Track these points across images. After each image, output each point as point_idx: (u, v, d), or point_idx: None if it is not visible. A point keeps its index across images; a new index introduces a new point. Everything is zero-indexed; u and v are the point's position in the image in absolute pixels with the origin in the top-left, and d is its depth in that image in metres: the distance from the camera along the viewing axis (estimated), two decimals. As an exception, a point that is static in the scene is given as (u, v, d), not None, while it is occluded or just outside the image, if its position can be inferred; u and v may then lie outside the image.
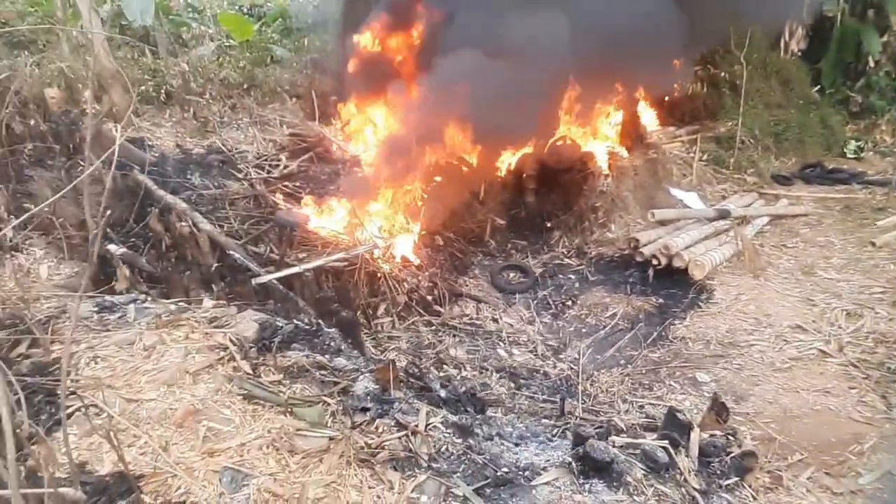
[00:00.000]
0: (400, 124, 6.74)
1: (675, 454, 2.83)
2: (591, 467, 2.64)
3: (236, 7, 11.90)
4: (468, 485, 2.50)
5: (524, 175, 7.29)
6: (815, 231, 7.09)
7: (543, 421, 3.84)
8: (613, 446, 2.82)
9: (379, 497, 2.40)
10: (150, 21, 8.11)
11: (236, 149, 6.93)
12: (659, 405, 4.17)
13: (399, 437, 2.73)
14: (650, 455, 2.78)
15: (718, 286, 5.72)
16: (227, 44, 9.32)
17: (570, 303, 5.98)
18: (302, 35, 10.49)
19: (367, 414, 2.87)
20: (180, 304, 3.84)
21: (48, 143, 5.51)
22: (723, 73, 9.47)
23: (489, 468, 2.66)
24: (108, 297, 3.77)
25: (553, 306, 5.97)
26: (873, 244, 6.45)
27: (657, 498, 2.58)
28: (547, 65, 5.83)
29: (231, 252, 4.82)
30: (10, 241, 4.44)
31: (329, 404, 2.89)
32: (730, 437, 3.19)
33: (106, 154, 1.84)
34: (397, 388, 3.15)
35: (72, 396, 2.69)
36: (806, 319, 5.08)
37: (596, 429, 3.18)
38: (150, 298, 3.93)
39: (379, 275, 5.24)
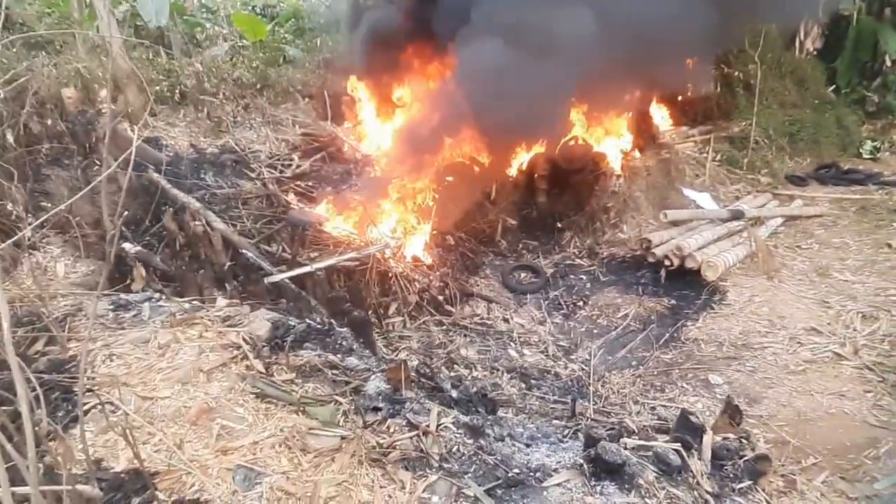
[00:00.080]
0: (414, 118, 6.76)
1: (688, 457, 2.82)
2: (603, 469, 2.64)
3: (249, 7, 11.98)
4: (479, 485, 2.51)
5: (536, 175, 7.28)
6: (830, 232, 7.02)
7: (554, 422, 3.84)
8: (625, 448, 2.81)
9: (390, 496, 2.41)
10: (165, 22, 8.18)
11: (249, 148, 6.97)
12: (671, 407, 4.15)
13: (410, 437, 2.74)
14: (662, 457, 2.77)
15: (731, 287, 5.68)
16: (241, 44, 9.38)
17: (581, 303, 5.96)
18: (314, 35, 10.53)
19: (379, 413, 2.88)
20: (194, 302, 3.88)
21: (65, 143, 5.58)
22: (737, 73, 9.38)
23: (500, 469, 2.66)
24: (123, 296, 3.81)
25: (564, 307, 5.96)
26: (889, 246, 6.38)
27: (669, 501, 2.57)
28: (567, 61, 5.77)
29: (244, 251, 4.86)
30: (29, 239, 4.51)
31: (341, 404, 2.90)
32: (743, 440, 3.17)
33: (124, 155, 1.87)
34: (409, 387, 3.16)
35: (88, 394, 2.72)
36: (821, 322, 5.03)
37: (607, 430, 3.18)
38: (164, 297, 3.97)
39: (390, 274, 5.25)
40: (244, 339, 3.29)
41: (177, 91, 7.29)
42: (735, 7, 7.31)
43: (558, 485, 2.60)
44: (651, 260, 6.05)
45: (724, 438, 3.12)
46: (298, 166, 6.76)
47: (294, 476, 2.45)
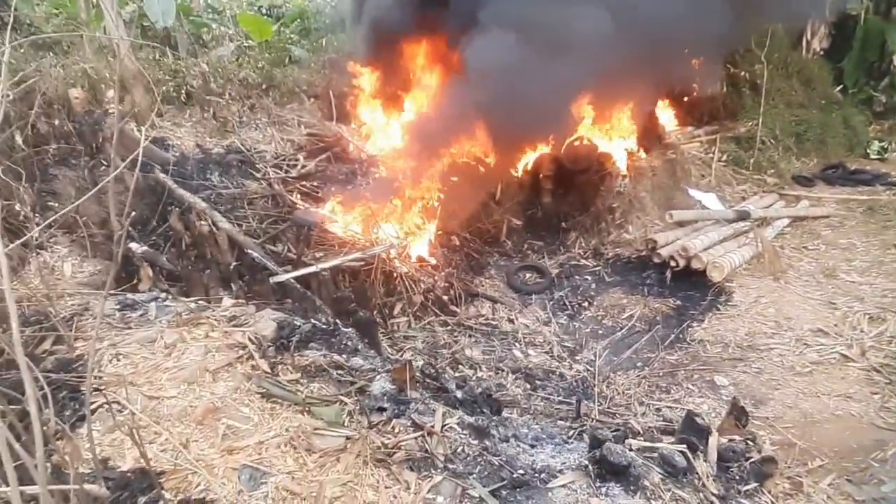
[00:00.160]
0: (422, 115, 6.76)
1: (694, 458, 2.81)
2: (608, 471, 2.63)
3: (255, 8, 12.01)
4: (484, 486, 2.51)
5: (541, 175, 7.27)
6: (837, 233, 6.98)
7: (559, 423, 3.83)
8: (630, 450, 2.81)
9: (395, 497, 2.42)
10: (172, 22, 8.21)
11: (255, 148, 6.99)
12: (676, 408, 4.14)
13: (415, 438, 2.75)
14: (668, 459, 2.76)
15: (737, 288, 5.66)
16: (247, 44, 9.40)
17: (586, 304, 5.95)
18: (320, 35, 10.55)
19: (384, 414, 2.89)
20: (200, 302, 3.89)
21: (72, 143, 5.61)
22: (743, 73, 9.34)
23: (505, 470, 2.66)
24: (129, 295, 3.83)
25: (569, 307, 5.95)
26: (897, 247, 6.34)
27: (675, 503, 2.56)
28: (578, 59, 5.74)
29: (249, 251, 4.87)
30: (36, 239, 4.53)
31: (346, 404, 2.91)
32: (749, 442, 3.16)
33: (132, 156, 1.88)
34: (413, 388, 3.16)
35: (95, 393, 2.74)
36: (827, 323, 5.01)
37: (613, 431, 3.16)
38: (170, 297, 3.98)
39: (395, 275, 5.26)
40: (250, 339, 3.30)
41: (183, 91, 7.32)
42: (745, 6, 7.28)
43: (563, 486, 2.59)
44: (656, 260, 6.04)
45: (730, 440, 3.11)
46: (304, 166, 6.77)
47: (299, 476, 2.46)
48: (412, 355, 4.69)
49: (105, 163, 5.51)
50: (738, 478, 2.87)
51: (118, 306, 3.62)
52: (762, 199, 7.79)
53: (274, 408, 2.83)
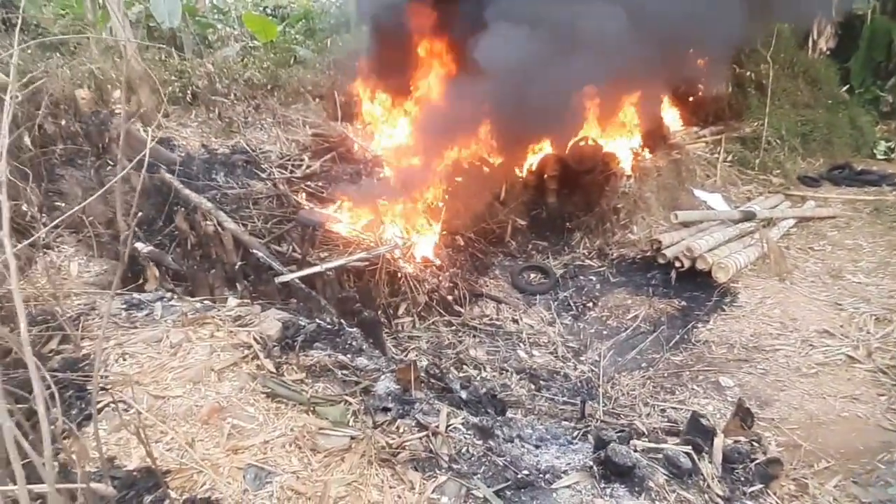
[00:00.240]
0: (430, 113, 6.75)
1: (699, 460, 2.81)
2: (613, 471, 2.63)
3: (260, 8, 12.04)
4: (488, 486, 2.51)
5: (546, 176, 7.26)
6: (844, 234, 6.95)
7: (564, 423, 3.83)
8: (635, 450, 2.80)
9: (400, 497, 2.42)
10: (178, 23, 8.24)
11: (260, 149, 7.00)
12: (681, 409, 4.13)
13: (420, 438, 2.75)
14: (673, 460, 2.75)
15: (743, 289, 5.64)
16: (252, 45, 9.42)
17: (590, 304, 5.94)
18: (325, 36, 10.57)
19: (389, 414, 2.89)
20: (205, 302, 3.91)
21: (79, 144, 5.64)
22: (749, 73, 9.31)
23: (509, 470, 2.66)
24: (135, 295, 3.85)
25: (574, 308, 5.94)
26: (904, 247, 6.31)
27: (680, 504, 2.56)
28: (588, 57, 5.73)
29: (254, 251, 4.89)
30: (43, 239, 4.56)
31: (351, 404, 2.92)
32: (754, 444, 3.15)
33: (139, 157, 1.89)
34: (418, 388, 3.17)
35: (101, 392, 2.75)
36: (833, 324, 4.98)
37: (617, 432, 3.16)
38: (176, 296, 4.00)
39: (400, 275, 5.27)
40: (255, 339, 3.31)
41: (188, 92, 7.34)
42: (758, 6, 7.24)
43: (568, 486, 2.59)
44: (661, 261, 6.03)
45: (736, 441, 3.10)
46: (309, 167, 6.78)
47: (304, 476, 2.47)
48: (416, 355, 4.70)
49: (111, 163, 5.53)
50: (743, 479, 2.86)
51: (124, 306, 3.64)
52: (768, 199, 7.76)
53: (279, 407, 2.84)
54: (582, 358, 5.12)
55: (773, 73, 8.72)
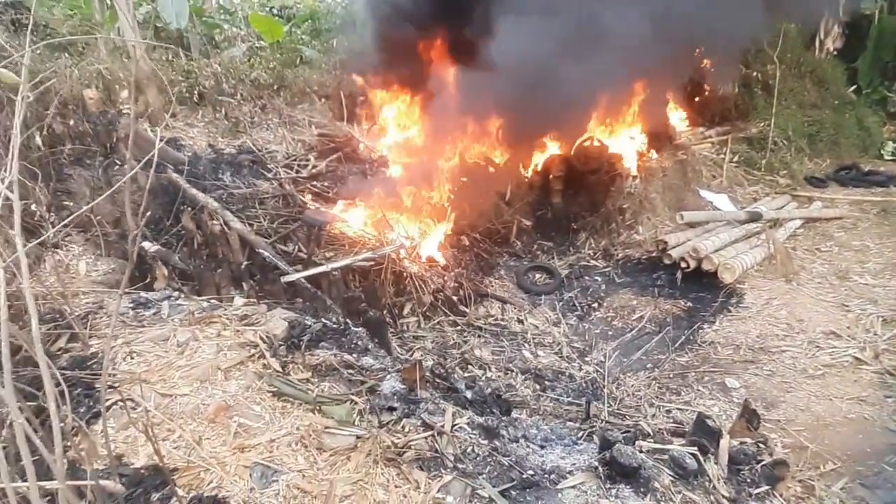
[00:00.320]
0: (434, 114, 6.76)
1: (704, 461, 2.80)
2: (618, 472, 2.63)
3: (267, 9, 12.08)
4: (494, 486, 2.52)
5: (551, 176, 7.26)
6: (851, 235, 6.92)
7: (569, 424, 3.83)
8: (641, 451, 2.80)
9: (405, 496, 2.43)
10: (185, 23, 8.29)
11: (266, 149, 7.03)
12: (687, 410, 4.12)
13: (425, 437, 2.76)
14: (678, 461, 2.75)
15: (749, 290, 5.63)
16: (258, 45, 9.46)
17: (596, 305, 5.94)
18: (331, 36, 10.59)
19: (394, 413, 2.90)
20: (212, 301, 3.93)
21: (87, 143, 5.68)
22: (755, 73, 9.28)
23: (515, 470, 2.67)
24: (143, 294, 3.87)
25: (579, 308, 5.94)
26: (911, 249, 6.27)
27: (685, 505, 2.55)
28: (598, 58, 5.71)
29: (261, 250, 4.91)
30: (52, 238, 4.59)
31: (356, 403, 2.93)
32: (760, 445, 3.14)
33: (147, 157, 1.90)
34: (423, 388, 3.18)
35: (109, 390, 2.77)
36: (840, 325, 4.96)
37: (622, 433, 3.16)
38: (183, 295, 4.02)
39: (405, 275, 5.28)
40: (261, 338, 3.33)
41: (195, 92, 7.38)
42: (769, 5, 7.21)
43: (573, 487, 2.59)
44: (667, 262, 6.01)
45: (742, 443, 3.09)
46: (314, 166, 6.80)
47: (310, 474, 2.48)
48: (422, 355, 4.71)
49: (119, 162, 5.57)
50: (749, 481, 2.85)
51: (131, 305, 3.67)
52: (774, 200, 7.73)
53: (285, 406, 2.85)
54: (587, 358, 5.12)
55: (780, 74, 8.68)
